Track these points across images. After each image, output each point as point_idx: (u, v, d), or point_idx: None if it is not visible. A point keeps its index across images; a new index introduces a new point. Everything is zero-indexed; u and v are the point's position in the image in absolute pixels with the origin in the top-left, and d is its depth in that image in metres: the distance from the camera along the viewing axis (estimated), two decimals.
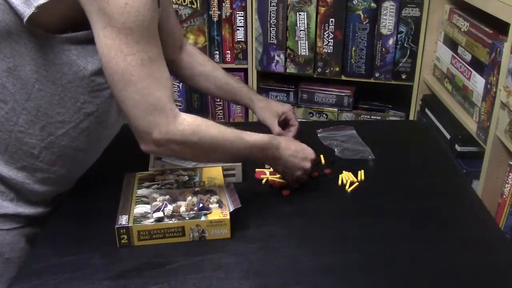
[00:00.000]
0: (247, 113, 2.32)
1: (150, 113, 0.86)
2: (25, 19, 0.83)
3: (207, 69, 1.29)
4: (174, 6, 2.16)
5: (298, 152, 1.08)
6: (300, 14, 2.09)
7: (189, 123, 0.91)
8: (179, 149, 0.92)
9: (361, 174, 1.16)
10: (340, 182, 1.16)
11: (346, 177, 1.16)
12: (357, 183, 1.14)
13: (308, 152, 1.09)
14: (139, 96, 0.85)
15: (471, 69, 1.63)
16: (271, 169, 1.15)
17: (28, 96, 0.91)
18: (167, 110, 0.88)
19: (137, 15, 0.82)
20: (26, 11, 0.82)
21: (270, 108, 1.30)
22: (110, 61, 0.83)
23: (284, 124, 1.31)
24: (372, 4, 2.01)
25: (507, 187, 1.41)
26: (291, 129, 1.30)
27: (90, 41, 0.87)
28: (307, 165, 1.08)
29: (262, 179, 1.16)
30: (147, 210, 0.97)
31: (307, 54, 2.15)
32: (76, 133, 0.97)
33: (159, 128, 0.87)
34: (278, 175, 1.13)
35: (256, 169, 1.18)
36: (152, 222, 0.94)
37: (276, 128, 1.28)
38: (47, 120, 0.94)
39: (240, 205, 0.97)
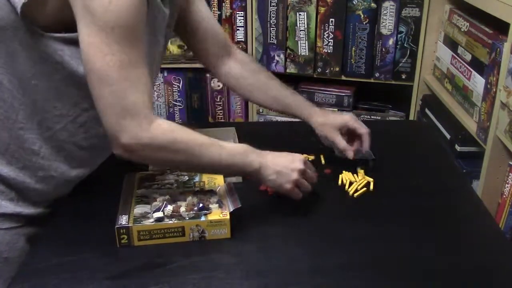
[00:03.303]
0: (247, 113, 2.32)
1: (122, 117, 0.84)
2: (19, 9, 0.83)
3: (260, 79, 1.23)
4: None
5: (286, 166, 0.99)
6: (300, 14, 2.09)
7: (163, 129, 0.89)
8: (150, 156, 0.90)
9: (370, 183, 1.14)
10: (340, 182, 1.16)
11: (346, 177, 1.16)
12: (364, 189, 1.12)
13: (295, 163, 1.00)
14: (113, 98, 0.84)
15: (471, 69, 1.63)
16: None
17: (25, 90, 0.91)
18: (141, 116, 0.86)
19: (120, 15, 0.81)
20: (20, 1, 0.83)
21: (329, 122, 1.20)
22: (89, 59, 0.83)
23: (349, 134, 1.21)
24: (372, 4, 2.01)
25: (507, 187, 1.41)
26: (363, 138, 1.19)
27: None
28: (294, 175, 0.99)
29: None
30: (147, 210, 0.97)
31: (307, 54, 2.15)
32: (74, 128, 0.97)
33: (129, 133, 0.85)
34: None
35: None
36: (152, 222, 0.94)
37: (341, 142, 1.18)
38: (44, 115, 0.94)
39: (240, 205, 0.97)
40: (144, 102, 0.86)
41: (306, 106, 1.23)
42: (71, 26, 0.85)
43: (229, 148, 0.97)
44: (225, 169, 0.98)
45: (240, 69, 1.23)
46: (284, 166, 0.99)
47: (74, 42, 0.87)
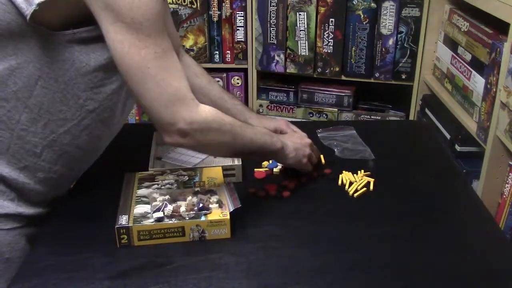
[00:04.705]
0: None
1: (172, 104, 0.87)
2: (28, 17, 0.83)
3: (202, 82, 1.25)
4: (174, 6, 2.16)
5: (300, 143, 1.13)
6: (300, 14, 2.09)
7: (210, 110, 0.92)
8: (204, 138, 0.92)
9: (370, 183, 1.14)
10: (340, 182, 1.16)
11: (346, 177, 1.16)
12: (364, 189, 1.12)
13: (305, 139, 1.16)
14: (159, 89, 0.86)
15: (471, 69, 1.63)
16: (268, 170, 1.18)
17: (31, 93, 0.91)
18: (188, 100, 0.89)
19: (146, 9, 0.82)
20: (28, 9, 0.82)
21: (265, 126, 1.23)
22: (125, 56, 0.84)
23: None
24: (372, 4, 2.01)
25: (507, 187, 1.41)
26: None
27: (92, 37, 0.88)
28: (307, 150, 1.13)
29: (262, 179, 1.16)
30: (147, 210, 0.97)
31: (307, 54, 2.15)
32: (78, 130, 0.98)
33: (184, 118, 0.88)
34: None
35: (255, 169, 1.18)
36: (152, 222, 0.94)
37: None
38: (49, 118, 0.94)
39: (240, 205, 0.97)
40: (186, 86, 0.89)
41: (244, 111, 1.28)
42: (79, 23, 0.86)
43: (257, 128, 1.05)
44: (259, 149, 1.03)
45: (185, 71, 1.24)
46: (299, 142, 1.13)
47: (83, 38, 0.88)
